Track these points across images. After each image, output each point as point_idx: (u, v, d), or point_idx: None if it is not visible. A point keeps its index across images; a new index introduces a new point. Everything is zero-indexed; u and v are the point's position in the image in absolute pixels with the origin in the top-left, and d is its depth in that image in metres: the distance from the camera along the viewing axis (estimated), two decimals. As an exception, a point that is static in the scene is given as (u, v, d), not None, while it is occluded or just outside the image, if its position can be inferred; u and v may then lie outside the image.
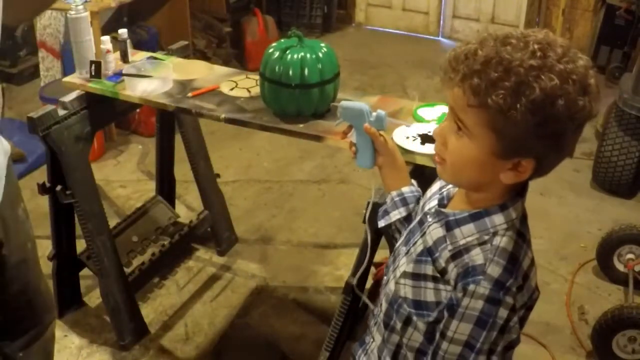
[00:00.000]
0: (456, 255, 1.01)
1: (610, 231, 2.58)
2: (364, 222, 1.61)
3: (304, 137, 1.76)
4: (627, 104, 2.98)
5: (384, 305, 1.16)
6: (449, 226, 1.04)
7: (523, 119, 0.88)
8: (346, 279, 2.07)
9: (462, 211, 1.04)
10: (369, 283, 2.20)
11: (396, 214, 1.28)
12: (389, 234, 1.37)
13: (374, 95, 1.97)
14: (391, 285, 1.13)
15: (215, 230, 2.70)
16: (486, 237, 1.00)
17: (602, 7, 4.33)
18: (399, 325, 1.11)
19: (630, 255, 2.52)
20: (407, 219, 1.27)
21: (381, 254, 2.13)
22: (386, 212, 1.31)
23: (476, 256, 0.98)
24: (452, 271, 1.00)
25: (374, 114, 1.26)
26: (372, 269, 2.17)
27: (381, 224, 1.32)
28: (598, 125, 3.68)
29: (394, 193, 1.30)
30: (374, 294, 2.18)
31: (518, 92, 0.87)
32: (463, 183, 1.05)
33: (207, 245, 2.75)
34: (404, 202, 1.27)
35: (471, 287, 0.96)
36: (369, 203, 1.51)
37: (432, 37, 5.22)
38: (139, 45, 3.38)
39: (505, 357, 1.03)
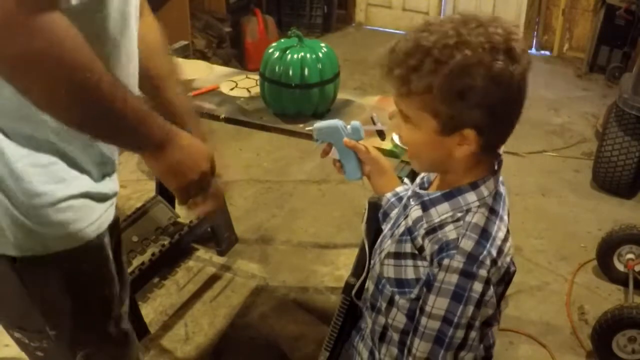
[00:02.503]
0: (430, 231, 1.05)
1: (610, 231, 2.58)
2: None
3: (304, 137, 1.76)
4: (627, 104, 2.98)
5: (371, 287, 1.20)
6: (424, 206, 1.08)
7: (445, 94, 0.93)
8: (346, 278, 2.07)
9: (435, 192, 1.09)
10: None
11: (396, 214, 1.28)
12: None
13: (374, 95, 1.97)
14: (377, 267, 1.17)
15: (215, 230, 2.70)
16: (459, 215, 1.04)
17: (602, 7, 4.33)
18: (383, 306, 1.14)
19: (630, 255, 2.52)
20: (404, 209, 1.28)
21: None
22: (386, 214, 1.32)
23: (449, 232, 1.02)
24: (428, 247, 1.04)
25: (349, 126, 1.27)
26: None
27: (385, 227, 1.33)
28: (598, 125, 3.69)
29: (388, 194, 1.32)
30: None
31: (435, 71, 0.92)
32: (427, 167, 1.10)
33: (207, 245, 2.75)
34: (400, 200, 1.29)
35: (445, 261, 0.99)
36: (368, 204, 1.51)
37: (432, 37, 5.23)
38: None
39: (483, 334, 1.05)
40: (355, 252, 2.07)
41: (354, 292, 1.48)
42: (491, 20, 0.95)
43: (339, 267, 2.66)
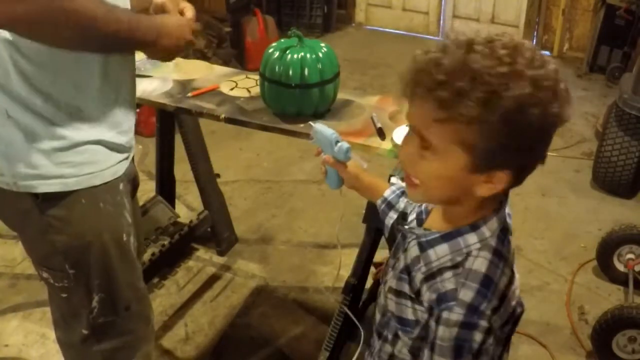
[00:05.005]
0: (429, 277, 0.98)
1: (610, 231, 2.58)
2: (364, 221, 1.61)
3: (304, 137, 1.76)
4: (627, 104, 2.98)
5: (378, 316, 1.15)
6: (422, 247, 1.01)
7: (496, 131, 0.83)
8: (346, 278, 2.08)
9: (432, 232, 1.00)
10: (369, 283, 2.20)
11: (389, 220, 1.28)
12: (394, 235, 1.38)
13: (374, 95, 1.97)
14: (381, 298, 1.12)
15: (215, 230, 2.70)
16: (459, 259, 0.95)
17: (602, 7, 4.33)
18: (389, 337, 1.11)
19: (630, 255, 2.52)
20: (403, 216, 1.27)
21: (381, 254, 2.14)
22: (380, 221, 1.32)
23: (448, 281, 0.94)
24: (426, 295, 0.97)
25: (338, 144, 1.24)
26: (372, 269, 2.17)
27: (386, 233, 1.32)
28: (598, 125, 3.69)
29: (378, 202, 1.30)
30: (374, 294, 2.18)
31: (489, 102, 0.82)
32: (435, 200, 1.01)
33: (207, 245, 2.75)
34: (390, 205, 1.27)
35: (445, 314, 0.92)
36: (367, 204, 1.51)
37: (432, 37, 5.23)
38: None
39: None
40: (355, 252, 2.07)
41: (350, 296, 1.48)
42: (539, 52, 0.87)
43: (339, 267, 2.66)
